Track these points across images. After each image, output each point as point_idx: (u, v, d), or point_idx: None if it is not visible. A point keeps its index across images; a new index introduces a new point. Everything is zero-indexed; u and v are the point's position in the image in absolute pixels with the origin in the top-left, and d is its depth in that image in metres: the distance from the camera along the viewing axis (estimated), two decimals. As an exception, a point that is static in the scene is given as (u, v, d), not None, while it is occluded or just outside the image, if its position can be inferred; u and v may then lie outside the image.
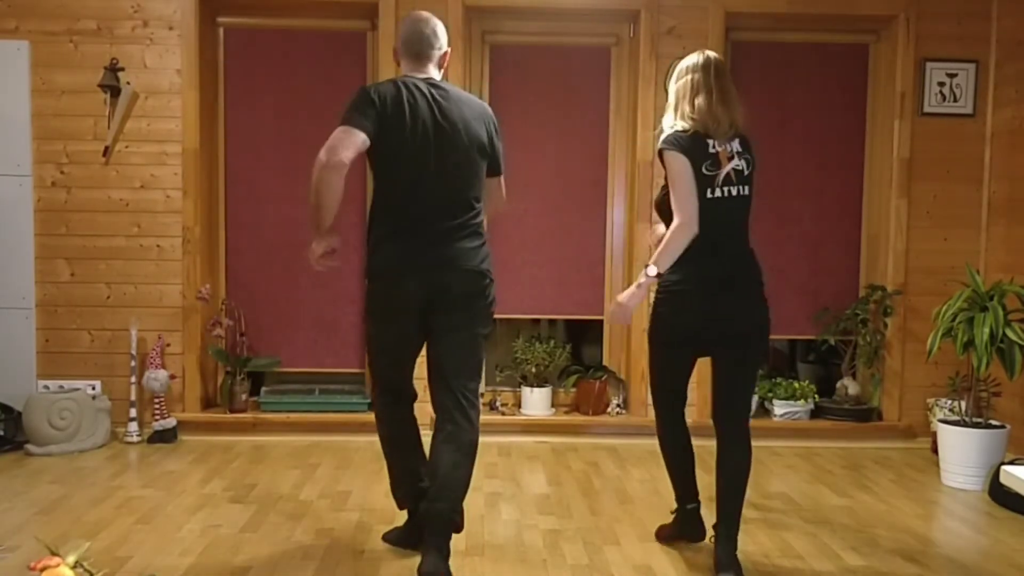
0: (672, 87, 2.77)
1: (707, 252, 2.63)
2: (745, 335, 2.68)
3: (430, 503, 2.59)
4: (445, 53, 2.81)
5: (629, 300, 2.69)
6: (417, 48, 2.74)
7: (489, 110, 2.80)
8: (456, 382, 2.68)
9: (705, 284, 2.65)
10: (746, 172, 2.68)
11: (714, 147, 2.64)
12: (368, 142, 2.57)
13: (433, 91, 2.66)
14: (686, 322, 2.69)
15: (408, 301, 2.64)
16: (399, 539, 2.90)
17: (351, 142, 2.54)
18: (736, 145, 2.67)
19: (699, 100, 2.65)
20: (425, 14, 2.79)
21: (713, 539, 2.72)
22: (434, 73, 2.76)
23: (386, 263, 2.66)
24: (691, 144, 2.62)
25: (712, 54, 2.74)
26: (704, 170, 2.62)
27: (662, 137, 2.70)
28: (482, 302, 2.71)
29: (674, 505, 2.97)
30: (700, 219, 2.61)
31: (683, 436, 2.89)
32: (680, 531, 2.96)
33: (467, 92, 2.83)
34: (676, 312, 2.70)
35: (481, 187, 2.76)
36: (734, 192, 2.65)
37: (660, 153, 2.67)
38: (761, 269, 2.73)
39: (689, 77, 2.69)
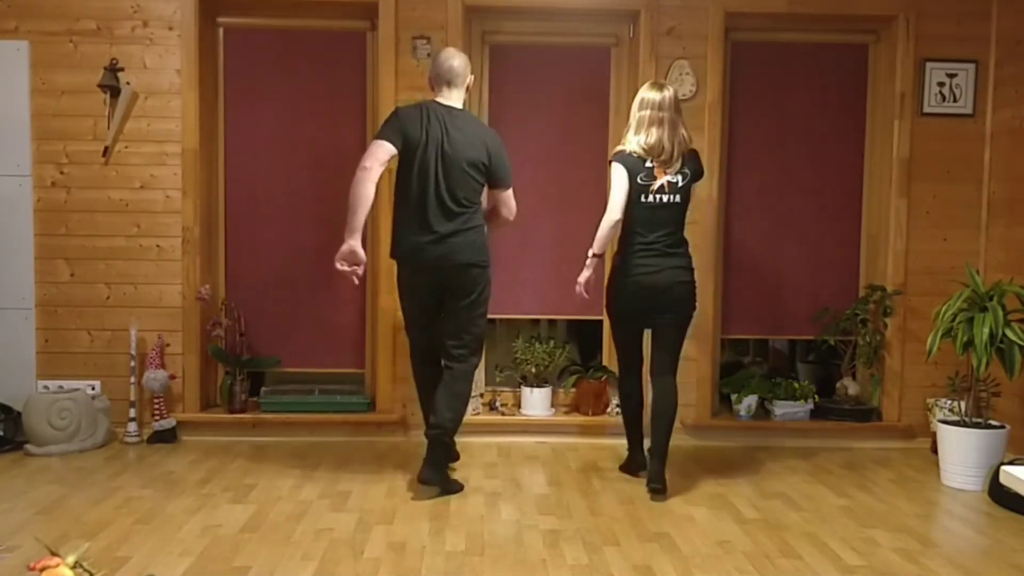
0: (634, 113, 3.54)
1: (643, 244, 3.51)
2: (670, 306, 3.53)
3: (429, 430, 3.46)
4: (469, 81, 3.53)
5: (581, 277, 3.62)
6: (448, 78, 3.46)
7: (491, 134, 3.54)
8: (455, 349, 3.49)
9: (640, 267, 3.51)
10: (680, 184, 3.51)
11: (651, 162, 3.49)
12: (394, 151, 3.35)
13: (446, 117, 3.40)
14: (628, 295, 3.56)
15: (423, 284, 3.47)
16: (430, 473, 3.46)
17: (377, 152, 3.32)
18: (677, 164, 3.49)
19: (652, 134, 3.48)
20: (452, 50, 3.53)
21: (648, 460, 3.58)
22: (457, 98, 3.49)
23: (402, 253, 3.47)
24: (632, 160, 3.50)
25: (668, 95, 3.50)
26: (639, 180, 3.49)
27: (615, 151, 3.58)
28: (475, 288, 3.45)
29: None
30: (637, 218, 3.51)
31: (638, 393, 3.77)
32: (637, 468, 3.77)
33: (474, 116, 3.59)
34: (622, 288, 3.57)
35: (474, 192, 3.44)
36: (665, 199, 3.50)
37: (610, 163, 3.56)
38: (688, 257, 3.58)
39: (647, 113, 3.49)
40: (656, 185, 3.48)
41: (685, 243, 3.59)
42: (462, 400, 3.52)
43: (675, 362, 3.62)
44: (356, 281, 3.42)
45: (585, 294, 3.62)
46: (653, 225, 3.51)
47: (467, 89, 3.54)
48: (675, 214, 3.53)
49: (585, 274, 3.61)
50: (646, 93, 3.53)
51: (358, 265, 3.36)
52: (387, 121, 3.42)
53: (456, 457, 3.82)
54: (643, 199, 3.49)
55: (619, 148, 3.56)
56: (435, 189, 3.36)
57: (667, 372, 3.59)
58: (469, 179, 3.40)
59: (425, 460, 3.45)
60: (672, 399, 3.58)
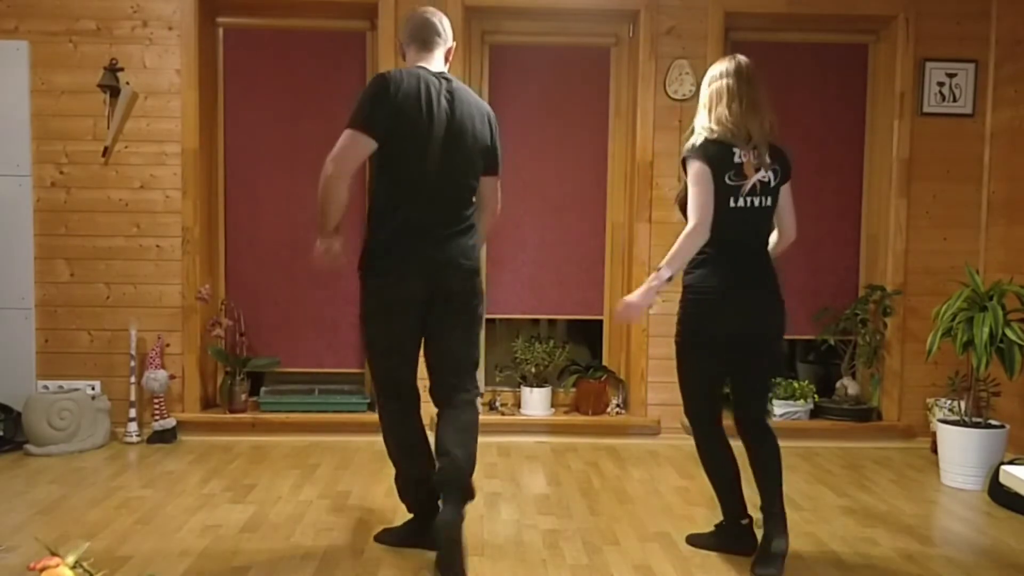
0: (704, 90, 2.81)
1: (730, 258, 2.72)
2: (765, 338, 2.76)
3: (443, 477, 2.64)
4: (451, 47, 2.86)
5: (641, 300, 2.68)
6: (425, 35, 2.77)
7: (490, 109, 2.85)
8: (458, 376, 2.78)
9: (729, 289, 2.71)
10: (772, 184, 2.74)
11: (740, 157, 2.70)
12: (374, 145, 2.60)
13: (446, 88, 2.69)
14: (715, 324, 2.73)
15: (412, 299, 2.68)
16: (396, 539, 2.91)
17: (355, 153, 2.59)
18: (766, 157, 2.72)
19: (734, 106, 2.70)
20: (432, 8, 2.85)
21: (763, 518, 2.73)
22: (439, 64, 2.80)
23: (393, 263, 2.67)
24: (716, 154, 2.68)
25: (744, 60, 2.78)
26: (728, 179, 2.69)
27: (689, 143, 2.75)
28: (477, 299, 2.79)
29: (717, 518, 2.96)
30: (723, 227, 2.69)
31: (724, 448, 2.87)
32: (728, 545, 2.90)
33: (469, 88, 2.84)
34: (704, 314, 2.74)
35: (477, 183, 2.81)
36: (756, 203, 2.72)
37: (684, 160, 2.73)
38: (777, 275, 2.81)
39: (723, 82, 2.73)
40: (747, 186, 2.69)
41: (768, 252, 2.84)
42: (473, 434, 2.74)
43: (767, 397, 2.98)
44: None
45: (632, 319, 2.78)
46: (745, 234, 2.75)
47: (447, 59, 2.85)
48: (766, 220, 2.79)
49: (645, 295, 2.67)
50: (717, 66, 2.79)
51: (336, 255, 2.77)
52: (369, 97, 2.60)
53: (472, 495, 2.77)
54: (732, 203, 2.69)
55: (692, 141, 2.75)
56: (444, 179, 2.68)
57: (763, 417, 2.86)
58: (478, 166, 2.77)
59: (450, 512, 2.60)
60: (776, 444, 2.81)
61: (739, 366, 2.80)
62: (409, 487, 2.86)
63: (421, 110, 2.61)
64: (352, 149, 2.58)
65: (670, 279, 2.67)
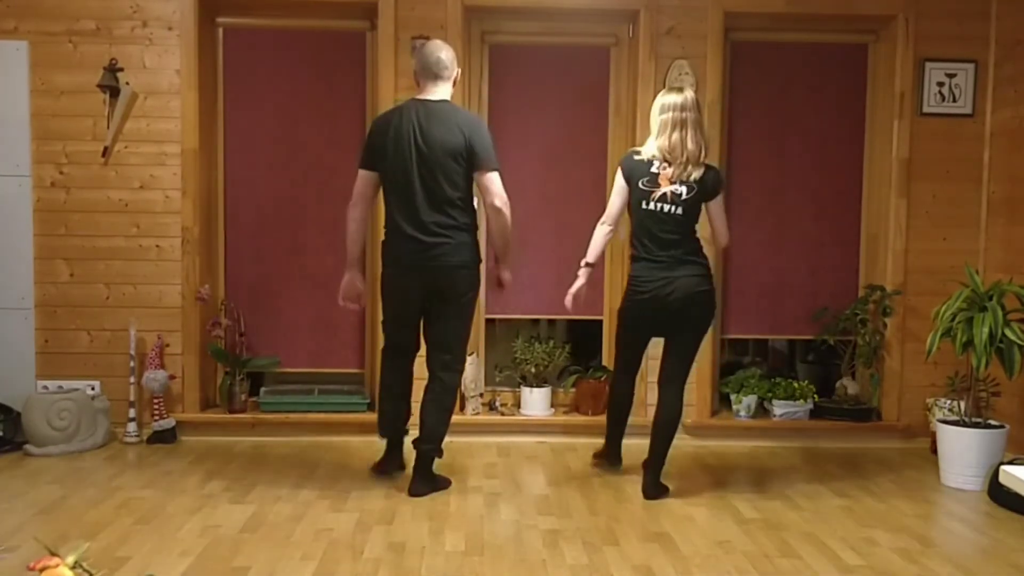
0: (654, 118, 3.43)
1: (648, 251, 3.41)
2: (681, 312, 3.38)
3: (419, 444, 3.46)
4: (456, 75, 3.48)
5: (576, 291, 3.59)
6: (437, 71, 3.40)
7: (468, 118, 3.42)
8: (441, 354, 3.48)
9: (650, 273, 3.40)
10: (684, 196, 3.35)
11: (657, 168, 3.38)
12: (374, 175, 3.44)
13: (420, 111, 3.35)
14: (636, 313, 3.51)
15: (407, 288, 3.43)
16: (382, 467, 3.66)
17: (361, 187, 3.47)
18: (688, 175, 3.34)
19: (674, 136, 3.34)
20: (439, 42, 3.46)
21: (642, 472, 3.54)
22: (444, 91, 3.43)
23: (390, 257, 3.46)
24: (636, 164, 3.42)
25: (689, 96, 3.39)
26: (640, 185, 3.39)
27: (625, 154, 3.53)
28: (464, 292, 3.44)
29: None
30: (639, 226, 3.43)
31: (629, 396, 3.80)
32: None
33: (452, 105, 3.42)
34: (631, 298, 3.50)
35: (465, 189, 3.39)
36: (667, 209, 3.37)
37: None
38: (704, 265, 3.44)
39: (668, 116, 3.37)
40: (658, 193, 3.36)
41: (697, 250, 3.46)
42: (450, 413, 3.54)
43: (685, 371, 3.51)
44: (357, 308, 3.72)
45: (569, 306, 3.60)
46: (655, 235, 3.40)
47: (455, 82, 3.49)
48: (677, 226, 3.39)
49: (576, 284, 3.58)
50: (665, 97, 3.43)
51: (355, 299, 3.61)
52: (366, 137, 3.49)
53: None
54: (643, 206, 3.39)
55: (631, 149, 3.53)
56: (419, 188, 3.32)
57: (675, 381, 3.49)
58: (451, 172, 3.34)
59: (414, 474, 3.47)
60: (676, 412, 3.50)
61: (666, 339, 3.51)
62: (385, 420, 3.62)
63: (391, 139, 3.34)
64: (358, 185, 3.47)
65: (590, 266, 3.59)
